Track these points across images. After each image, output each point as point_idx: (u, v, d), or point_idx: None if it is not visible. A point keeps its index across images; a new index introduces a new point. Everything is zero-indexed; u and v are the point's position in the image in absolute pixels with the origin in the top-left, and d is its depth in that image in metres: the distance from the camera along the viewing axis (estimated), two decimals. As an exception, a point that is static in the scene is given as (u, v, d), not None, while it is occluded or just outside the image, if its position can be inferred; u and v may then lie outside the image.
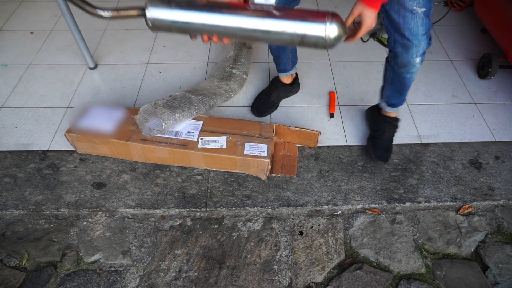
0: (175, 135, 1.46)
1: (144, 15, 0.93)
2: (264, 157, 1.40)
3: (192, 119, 1.52)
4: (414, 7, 1.14)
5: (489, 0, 1.88)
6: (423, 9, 1.15)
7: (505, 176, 1.52)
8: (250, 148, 1.43)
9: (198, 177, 1.52)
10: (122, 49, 2.12)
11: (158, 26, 0.95)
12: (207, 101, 1.58)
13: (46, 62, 2.04)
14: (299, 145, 1.61)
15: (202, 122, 1.52)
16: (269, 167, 1.43)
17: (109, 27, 2.27)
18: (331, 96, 1.82)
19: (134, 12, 0.96)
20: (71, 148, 1.60)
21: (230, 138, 1.46)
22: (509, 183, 1.49)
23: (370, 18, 1.01)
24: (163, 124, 1.41)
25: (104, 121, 1.52)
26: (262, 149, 1.42)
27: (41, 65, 2.02)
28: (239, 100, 1.82)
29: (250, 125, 1.52)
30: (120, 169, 1.54)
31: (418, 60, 1.28)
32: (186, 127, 1.49)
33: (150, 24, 0.94)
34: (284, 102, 1.81)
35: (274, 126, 1.53)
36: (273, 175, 1.50)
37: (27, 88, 1.89)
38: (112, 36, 2.21)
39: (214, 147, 1.43)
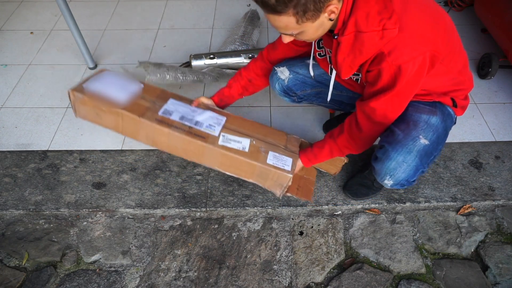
0: (195, 125, 1.26)
1: (190, 65, 1.89)
2: (287, 171, 1.22)
3: (216, 113, 1.34)
4: (421, 135, 1.08)
5: (489, 0, 1.88)
6: (427, 142, 1.08)
7: (505, 176, 1.52)
8: (273, 158, 1.25)
9: (198, 177, 1.52)
10: (122, 49, 2.12)
11: (197, 68, 1.88)
12: (194, 73, 1.79)
13: (46, 62, 2.04)
14: (319, 169, 1.51)
15: (225, 118, 1.33)
16: (290, 183, 1.25)
17: (109, 27, 2.27)
18: (331, 96, 1.82)
19: (187, 64, 1.91)
20: (71, 148, 1.60)
21: (254, 142, 1.28)
22: (509, 183, 1.49)
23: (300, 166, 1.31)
24: (147, 76, 1.66)
25: (118, 89, 1.27)
26: (286, 162, 1.24)
27: (41, 65, 2.02)
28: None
29: (275, 134, 1.35)
30: (120, 169, 1.54)
31: (388, 183, 1.19)
32: (207, 119, 1.29)
33: (192, 68, 1.87)
34: (284, 102, 1.81)
35: (301, 141, 1.37)
36: (288, 194, 1.32)
37: (27, 88, 1.89)
38: (112, 36, 2.21)
39: (236, 148, 1.24)
